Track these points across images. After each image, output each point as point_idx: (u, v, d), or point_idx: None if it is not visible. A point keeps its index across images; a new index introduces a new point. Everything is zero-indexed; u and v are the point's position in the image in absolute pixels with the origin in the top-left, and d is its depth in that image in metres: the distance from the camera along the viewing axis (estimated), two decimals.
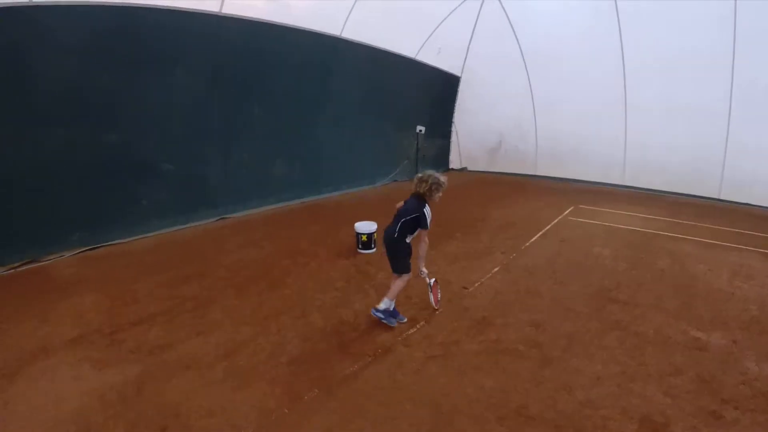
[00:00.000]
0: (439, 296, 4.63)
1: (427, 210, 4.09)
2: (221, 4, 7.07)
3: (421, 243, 4.21)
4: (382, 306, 4.20)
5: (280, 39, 8.23)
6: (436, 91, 13.09)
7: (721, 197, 10.88)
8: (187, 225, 7.41)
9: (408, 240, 4.21)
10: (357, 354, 3.78)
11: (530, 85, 12.62)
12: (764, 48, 9.37)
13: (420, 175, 4.22)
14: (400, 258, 4.21)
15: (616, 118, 11.70)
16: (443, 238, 7.07)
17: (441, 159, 14.29)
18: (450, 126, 14.14)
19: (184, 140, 7.29)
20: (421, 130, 11.91)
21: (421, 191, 4.14)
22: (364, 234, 6.37)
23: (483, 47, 12.48)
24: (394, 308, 4.31)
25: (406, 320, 4.36)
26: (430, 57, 11.55)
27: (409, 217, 4.11)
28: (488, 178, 13.87)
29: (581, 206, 10.00)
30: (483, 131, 13.93)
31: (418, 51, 11.11)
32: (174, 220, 7.26)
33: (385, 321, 4.21)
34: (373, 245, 6.43)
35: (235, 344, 3.91)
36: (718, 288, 5.57)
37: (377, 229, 6.38)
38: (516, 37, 11.95)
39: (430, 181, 4.11)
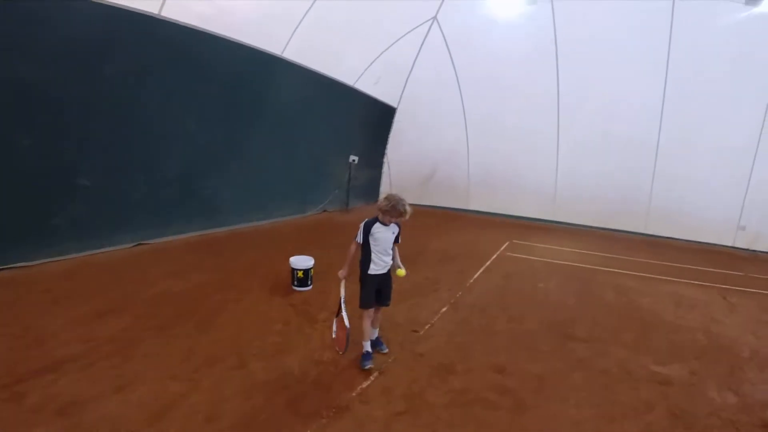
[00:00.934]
0: (342, 338, 4.04)
1: (362, 224, 3.94)
2: (161, 6, 6.49)
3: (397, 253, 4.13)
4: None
5: (217, 49, 7.65)
6: (371, 121, 13.03)
7: (647, 231, 11.55)
8: (104, 249, 6.48)
9: (365, 266, 3.99)
10: (309, 414, 3.17)
11: (465, 117, 12.96)
12: (693, 85, 10.28)
13: (392, 194, 3.97)
14: (390, 283, 4.19)
15: (549, 152, 12.26)
16: None
17: (371, 189, 14.10)
18: (382, 156, 14.03)
19: (104, 149, 6.40)
20: (354, 160, 11.69)
21: (380, 208, 3.90)
22: (300, 270, 5.75)
23: (422, 79, 12.69)
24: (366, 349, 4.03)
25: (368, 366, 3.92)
26: (368, 86, 11.48)
27: None
28: (419, 210, 13.72)
29: (516, 241, 10.12)
30: (416, 162, 14.04)
31: (357, 79, 11.00)
32: (89, 242, 6.33)
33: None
34: (309, 282, 5.83)
35: (163, 404, 3.17)
36: (665, 320, 5.72)
37: (314, 264, 5.84)
38: (454, 66, 12.29)
39: (392, 203, 3.86)
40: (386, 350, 4.21)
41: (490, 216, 13.32)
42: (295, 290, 5.76)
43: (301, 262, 5.78)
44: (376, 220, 3.93)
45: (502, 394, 3.62)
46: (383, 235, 3.93)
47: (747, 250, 10.75)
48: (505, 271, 7.46)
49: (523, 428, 3.19)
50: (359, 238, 3.92)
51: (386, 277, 4.07)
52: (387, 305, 4.21)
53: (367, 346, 4.01)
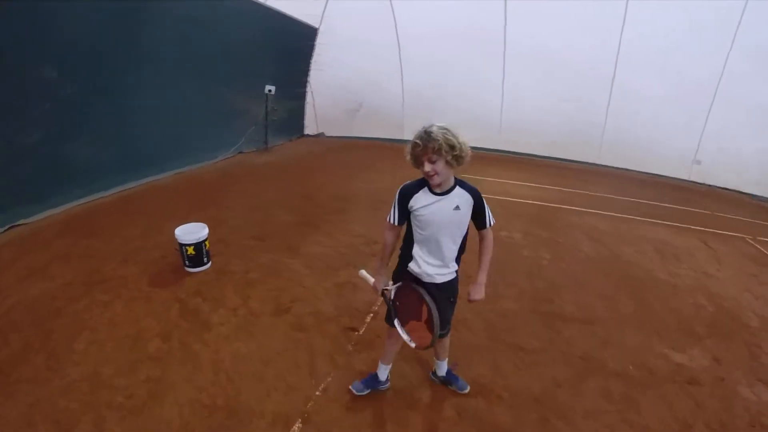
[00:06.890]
0: None
1: (397, 192, 2.43)
2: None
3: (486, 250, 2.54)
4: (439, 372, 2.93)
5: None
6: (288, 45, 10.91)
7: (599, 162, 11.00)
8: None
9: (405, 257, 2.54)
10: None
11: (398, 36, 11.01)
12: (653, 11, 9.17)
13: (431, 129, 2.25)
14: (453, 303, 2.57)
15: (493, 74, 10.89)
16: (302, 231, 5.15)
17: (294, 123, 12.20)
18: (304, 86, 12.02)
19: None
20: (270, 90, 9.82)
21: (448, 157, 2.23)
22: (189, 245, 4.10)
23: None
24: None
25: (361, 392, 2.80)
26: (281, 2, 9.26)
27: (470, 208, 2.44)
28: (348, 143, 12.08)
29: (463, 176, 8.86)
30: (342, 90, 12.00)
31: None
32: None
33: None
34: (205, 259, 4.23)
35: None
36: (658, 278, 4.95)
37: (208, 233, 4.20)
38: None
39: (415, 138, 2.29)
40: (467, 389, 2.86)
41: None
42: (188, 272, 4.14)
43: (190, 233, 4.14)
44: (421, 183, 2.35)
45: None
46: (434, 214, 2.32)
47: (703, 184, 10.46)
48: None
49: None
50: (393, 218, 2.42)
51: (441, 289, 2.45)
52: (442, 335, 2.63)
53: (382, 373, 2.83)
